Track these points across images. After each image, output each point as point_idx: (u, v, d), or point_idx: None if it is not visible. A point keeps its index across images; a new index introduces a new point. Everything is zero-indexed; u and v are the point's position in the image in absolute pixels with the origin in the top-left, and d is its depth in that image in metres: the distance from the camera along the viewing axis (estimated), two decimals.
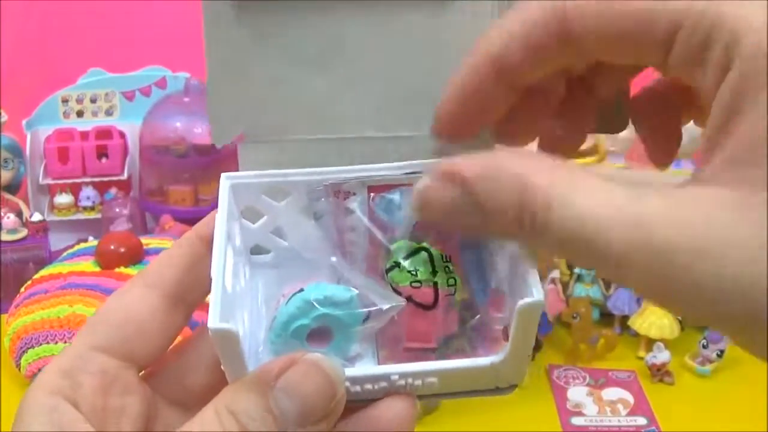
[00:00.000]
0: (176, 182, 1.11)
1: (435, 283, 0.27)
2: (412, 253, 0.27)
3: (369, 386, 0.24)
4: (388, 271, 0.27)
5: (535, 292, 0.24)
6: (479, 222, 0.21)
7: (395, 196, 0.28)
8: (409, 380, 0.25)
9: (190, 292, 0.27)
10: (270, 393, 0.22)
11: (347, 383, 0.24)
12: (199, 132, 1.11)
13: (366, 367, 0.26)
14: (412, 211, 0.23)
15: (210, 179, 1.12)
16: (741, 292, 0.17)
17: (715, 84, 0.19)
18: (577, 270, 0.98)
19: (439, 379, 0.25)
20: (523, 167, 0.20)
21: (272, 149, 0.30)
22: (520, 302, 0.24)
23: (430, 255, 0.28)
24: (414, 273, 0.27)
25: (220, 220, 0.27)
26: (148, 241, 0.89)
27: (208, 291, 0.24)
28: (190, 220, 1.07)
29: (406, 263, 0.27)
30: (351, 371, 0.24)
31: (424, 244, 0.28)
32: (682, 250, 0.18)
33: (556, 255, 0.21)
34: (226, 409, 0.22)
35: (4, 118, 1.08)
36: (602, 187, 0.19)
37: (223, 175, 0.28)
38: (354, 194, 0.29)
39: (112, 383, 0.25)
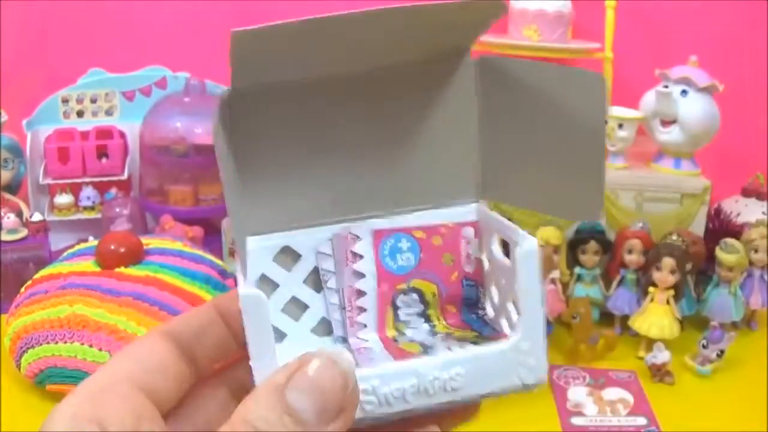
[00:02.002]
0: (176, 182, 1.11)
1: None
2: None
3: (398, 385, 0.25)
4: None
5: (526, 240, 0.26)
6: None
7: (401, 243, 0.29)
8: (436, 373, 0.25)
9: (201, 353, 0.28)
10: (285, 394, 0.22)
11: (377, 382, 0.24)
12: (199, 132, 1.11)
13: (393, 363, 0.26)
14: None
15: (210, 179, 1.12)
16: None
17: None
18: (577, 270, 0.98)
19: (467, 371, 0.26)
20: None
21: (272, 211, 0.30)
22: (518, 249, 0.26)
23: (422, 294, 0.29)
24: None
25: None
26: (148, 241, 0.89)
27: (217, 358, 0.27)
28: (190, 220, 1.07)
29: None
30: (381, 368, 0.25)
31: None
32: None
33: None
34: (242, 420, 0.22)
35: (4, 118, 1.08)
36: None
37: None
38: (360, 239, 0.30)
39: (139, 411, 0.25)
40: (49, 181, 1.12)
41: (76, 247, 0.91)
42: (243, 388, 0.27)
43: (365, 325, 0.29)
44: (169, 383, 0.26)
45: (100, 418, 0.23)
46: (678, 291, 0.91)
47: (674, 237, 0.92)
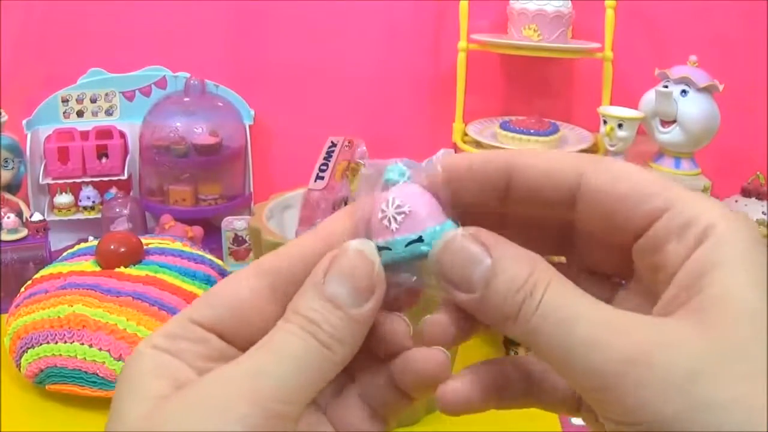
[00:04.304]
0: (176, 182, 1.11)
1: None
2: None
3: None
4: None
5: None
6: (484, 280, 0.25)
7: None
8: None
9: (297, 286, 0.27)
10: (323, 286, 0.26)
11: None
12: (199, 132, 1.11)
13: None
14: (432, 256, 0.26)
15: (210, 179, 1.12)
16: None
17: (687, 252, 0.24)
18: None
19: None
20: (534, 255, 0.25)
21: None
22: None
23: None
24: None
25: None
26: (148, 241, 0.89)
27: None
28: (190, 219, 1.07)
29: None
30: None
31: None
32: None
33: (528, 329, 0.25)
34: (291, 312, 0.26)
35: (4, 118, 1.08)
36: (591, 297, 0.24)
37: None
38: None
39: (211, 352, 0.27)
40: (49, 181, 1.12)
41: (76, 247, 0.91)
42: None
43: None
44: (251, 327, 0.27)
45: (173, 351, 0.26)
46: None
47: None
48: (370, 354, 0.28)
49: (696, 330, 0.22)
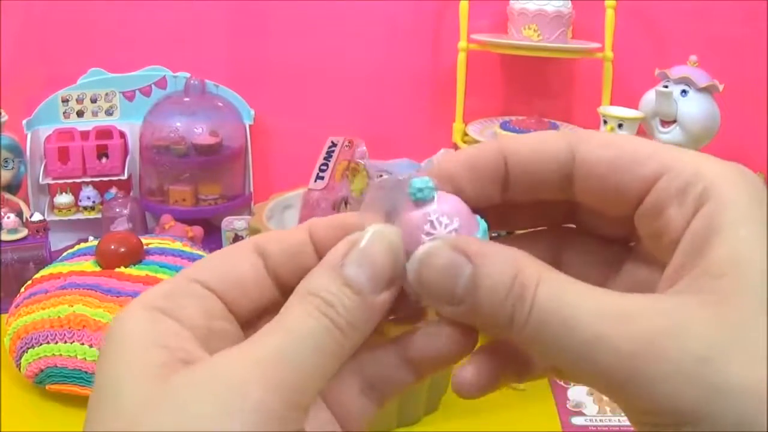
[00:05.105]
0: (176, 182, 1.11)
1: None
2: None
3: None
4: None
5: None
6: (469, 291, 0.24)
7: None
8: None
9: (288, 275, 0.27)
10: (342, 268, 0.24)
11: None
12: (199, 132, 1.11)
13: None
14: (411, 273, 0.25)
15: (210, 179, 1.12)
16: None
17: (688, 217, 0.23)
18: None
19: None
20: (518, 254, 0.24)
21: None
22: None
23: None
24: None
25: None
26: (149, 241, 0.89)
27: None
28: (190, 220, 1.07)
29: None
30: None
31: None
32: (666, 337, 0.21)
33: (526, 337, 0.24)
34: (306, 291, 0.24)
35: (4, 118, 1.08)
36: (585, 285, 0.23)
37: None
38: None
39: (213, 309, 0.25)
40: (49, 181, 1.12)
41: (76, 247, 0.91)
42: None
43: None
44: (249, 292, 0.26)
45: (170, 310, 0.24)
46: None
47: None
48: (376, 331, 0.26)
49: (703, 308, 0.22)
